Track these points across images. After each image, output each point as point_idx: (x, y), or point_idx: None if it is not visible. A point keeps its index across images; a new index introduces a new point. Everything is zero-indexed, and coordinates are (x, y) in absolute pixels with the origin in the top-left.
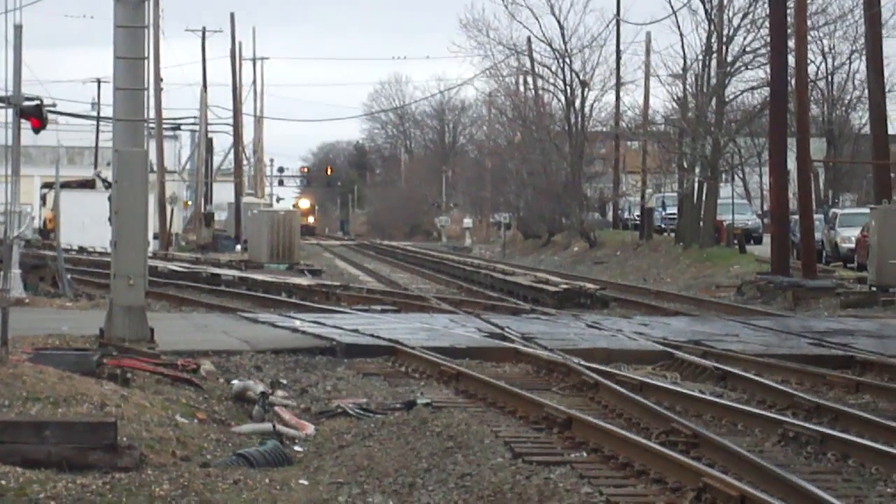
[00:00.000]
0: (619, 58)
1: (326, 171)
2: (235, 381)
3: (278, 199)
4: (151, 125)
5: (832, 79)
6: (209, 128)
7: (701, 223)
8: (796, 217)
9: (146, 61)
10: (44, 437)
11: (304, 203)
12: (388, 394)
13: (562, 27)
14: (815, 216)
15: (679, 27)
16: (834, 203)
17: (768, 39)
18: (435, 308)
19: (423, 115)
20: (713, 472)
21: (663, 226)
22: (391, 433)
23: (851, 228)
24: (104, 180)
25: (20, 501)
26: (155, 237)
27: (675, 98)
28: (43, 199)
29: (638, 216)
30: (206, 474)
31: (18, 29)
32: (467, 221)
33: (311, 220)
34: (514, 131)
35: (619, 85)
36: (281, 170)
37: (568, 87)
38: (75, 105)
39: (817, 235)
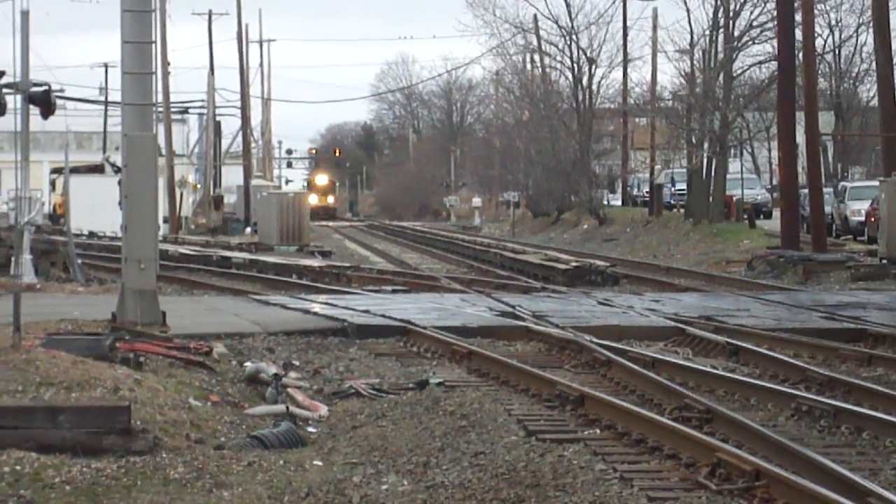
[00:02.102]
0: (625, 34)
1: (335, 153)
2: (248, 364)
3: (287, 181)
4: (160, 109)
5: (839, 52)
6: (217, 111)
7: (710, 199)
8: (806, 191)
9: (154, 45)
10: (58, 422)
11: (322, 179)
12: (401, 374)
13: (568, 4)
14: (825, 190)
15: (686, 2)
16: (843, 176)
17: (775, 13)
18: (445, 288)
19: (431, 94)
20: (727, 447)
21: (673, 202)
22: (404, 413)
23: (861, 201)
24: (113, 165)
25: (35, 486)
26: (165, 221)
27: (683, 74)
28: (52, 184)
29: (647, 193)
30: (220, 456)
31: (26, 15)
32: (476, 201)
33: (329, 199)
34: (521, 110)
35: (626, 61)
36: (289, 152)
37: (575, 65)
38: (83, 90)
39: (827, 209)
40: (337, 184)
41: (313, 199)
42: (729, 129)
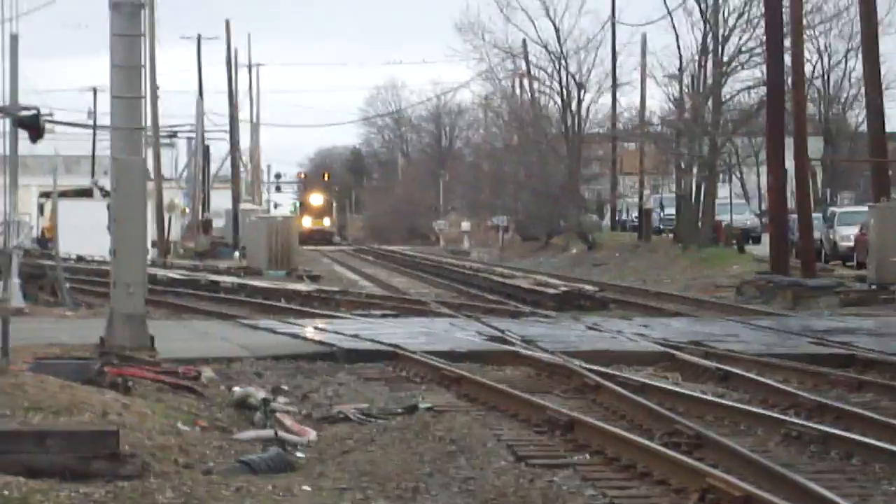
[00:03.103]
0: (614, 59)
1: (323, 177)
2: (236, 388)
3: (276, 206)
4: (148, 133)
5: (829, 77)
6: (206, 135)
7: (699, 223)
8: (795, 216)
9: (143, 69)
10: (46, 446)
11: (317, 199)
12: (390, 398)
13: (557, 29)
14: (814, 215)
15: (675, 28)
16: (832, 201)
17: (764, 39)
18: (434, 312)
19: (420, 119)
20: (717, 473)
21: (662, 227)
22: (393, 438)
23: (850, 227)
24: (102, 189)
25: None
26: (153, 245)
27: (672, 98)
28: (41, 208)
29: (636, 217)
30: (208, 481)
31: (15, 39)
32: (465, 225)
33: (325, 222)
34: (510, 134)
35: (615, 86)
36: (278, 176)
37: (564, 90)
38: (72, 114)
39: (816, 234)
40: (334, 204)
41: (307, 222)
42: (718, 153)
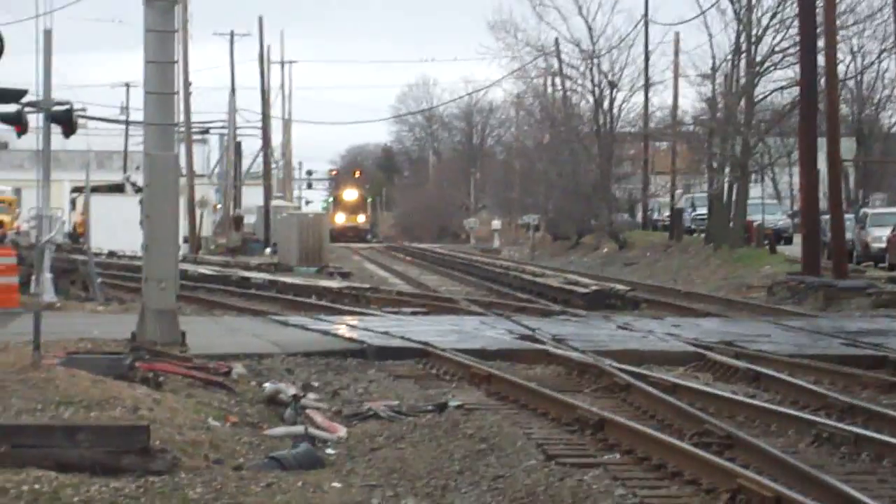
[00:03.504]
0: (647, 58)
1: (354, 174)
2: (267, 384)
3: (307, 202)
4: (181, 129)
5: (862, 78)
6: (238, 131)
7: (731, 224)
8: (827, 217)
9: (176, 65)
10: (77, 440)
11: (351, 195)
12: (420, 396)
13: (590, 28)
14: (846, 216)
15: (708, 27)
16: (864, 203)
17: (797, 39)
18: (465, 310)
19: (451, 117)
20: (748, 474)
21: (693, 227)
22: (423, 435)
23: (882, 228)
24: (134, 184)
25: None
26: (185, 241)
27: (705, 98)
28: (73, 203)
29: (667, 217)
30: (239, 477)
31: (48, 34)
32: (496, 223)
33: (360, 219)
34: (542, 132)
35: (647, 85)
36: (309, 173)
37: (596, 88)
38: (104, 109)
39: (848, 235)
40: (369, 200)
41: (340, 219)
42: (750, 154)
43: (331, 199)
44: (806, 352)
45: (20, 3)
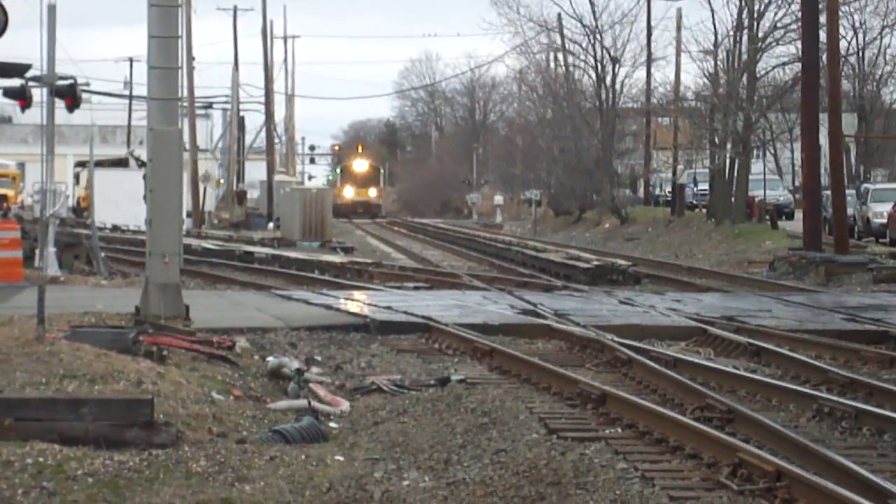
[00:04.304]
0: (649, 34)
1: (357, 149)
2: (270, 358)
3: (310, 177)
4: (184, 104)
5: (863, 54)
6: (241, 106)
7: (733, 199)
8: (828, 192)
9: (179, 40)
10: (81, 414)
11: (361, 166)
12: (422, 370)
13: (592, 3)
14: (847, 191)
15: (710, 3)
16: (866, 178)
17: (799, 15)
18: (467, 285)
19: (454, 92)
20: (748, 448)
21: (695, 202)
22: (426, 409)
23: (883, 203)
24: (137, 159)
25: (58, 478)
26: (188, 215)
27: (707, 74)
28: (76, 177)
29: (669, 192)
30: (242, 450)
31: (52, 8)
32: (498, 198)
33: (371, 192)
34: (544, 108)
35: (650, 61)
36: (312, 148)
37: (599, 64)
38: (108, 84)
39: (849, 211)
40: (382, 172)
41: (349, 192)
42: (752, 129)
43: (338, 171)
44: (807, 327)
45: None
